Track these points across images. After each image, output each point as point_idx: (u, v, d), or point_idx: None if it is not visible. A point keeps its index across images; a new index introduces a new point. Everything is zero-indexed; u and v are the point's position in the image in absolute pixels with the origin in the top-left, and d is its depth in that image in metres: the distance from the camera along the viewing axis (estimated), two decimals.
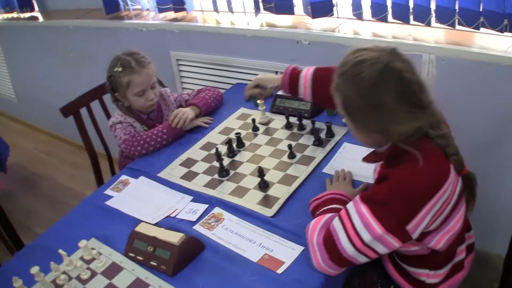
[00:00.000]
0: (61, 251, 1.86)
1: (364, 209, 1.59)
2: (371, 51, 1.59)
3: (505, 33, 2.27)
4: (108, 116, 3.06)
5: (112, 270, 1.85)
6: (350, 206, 1.65)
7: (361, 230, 1.58)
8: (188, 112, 2.67)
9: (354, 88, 1.59)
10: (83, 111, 2.95)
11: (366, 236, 1.57)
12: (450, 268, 1.82)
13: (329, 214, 1.73)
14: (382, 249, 1.60)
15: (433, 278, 1.80)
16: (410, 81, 1.55)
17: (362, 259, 1.63)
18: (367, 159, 1.82)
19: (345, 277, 1.86)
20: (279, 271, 1.72)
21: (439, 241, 1.69)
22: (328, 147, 2.33)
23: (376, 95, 1.56)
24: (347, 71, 1.61)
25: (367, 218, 1.57)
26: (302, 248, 1.79)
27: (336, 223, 1.65)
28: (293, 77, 2.29)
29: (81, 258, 1.90)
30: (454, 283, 1.86)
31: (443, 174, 1.58)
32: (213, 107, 2.85)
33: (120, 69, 2.55)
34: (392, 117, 1.56)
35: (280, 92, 2.56)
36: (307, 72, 2.25)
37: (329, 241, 1.64)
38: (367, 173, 1.99)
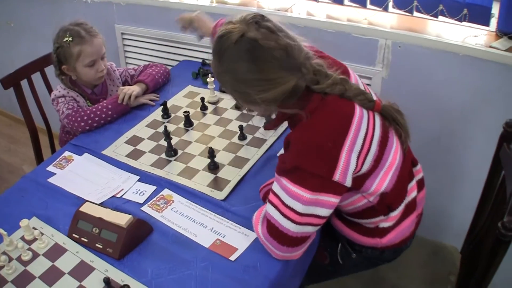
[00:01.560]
0: (1, 230, 1.78)
1: (285, 181, 1.58)
2: (231, 24, 1.59)
3: (464, 23, 2.27)
4: (49, 89, 2.96)
5: (55, 252, 1.78)
6: (274, 186, 1.64)
7: (291, 203, 1.56)
8: (133, 89, 2.60)
9: (219, 64, 1.61)
10: (24, 83, 2.83)
11: (299, 207, 1.55)
12: (403, 209, 1.80)
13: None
14: (323, 211, 1.59)
15: (387, 222, 1.79)
16: (271, 48, 1.53)
17: (309, 229, 1.61)
18: (266, 127, 1.85)
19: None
20: (232, 258, 1.69)
21: (382, 181, 1.68)
22: (280, 129, 2.30)
23: (235, 68, 1.57)
24: (214, 48, 1.63)
25: (291, 189, 1.56)
26: (255, 235, 1.75)
27: (269, 208, 1.64)
28: None
29: (22, 238, 1.83)
30: (409, 224, 1.85)
31: (346, 114, 1.58)
32: (160, 84, 2.79)
33: (70, 39, 2.46)
34: (255, 86, 1.56)
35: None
36: None
37: (271, 229, 1.62)
38: None
